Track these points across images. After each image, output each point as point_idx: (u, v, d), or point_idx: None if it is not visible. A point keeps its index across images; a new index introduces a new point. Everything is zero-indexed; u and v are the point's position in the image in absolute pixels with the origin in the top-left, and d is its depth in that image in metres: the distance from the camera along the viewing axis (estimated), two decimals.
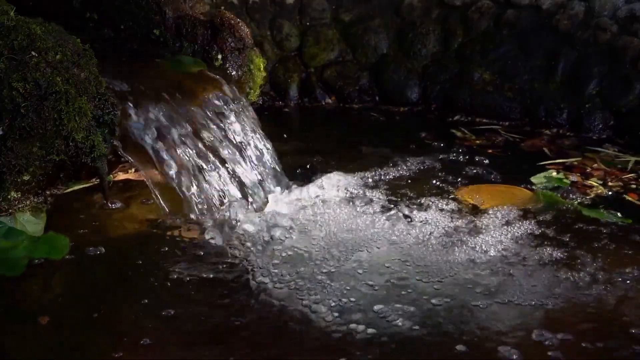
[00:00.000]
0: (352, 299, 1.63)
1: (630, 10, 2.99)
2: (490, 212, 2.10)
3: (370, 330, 1.52)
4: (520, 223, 2.04)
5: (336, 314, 1.57)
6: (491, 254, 1.86)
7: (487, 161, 2.58)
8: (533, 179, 2.37)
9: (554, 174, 2.39)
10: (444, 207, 2.14)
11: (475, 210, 2.13)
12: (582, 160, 2.61)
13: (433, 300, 1.63)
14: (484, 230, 1.99)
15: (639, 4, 2.98)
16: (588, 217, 2.09)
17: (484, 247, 1.90)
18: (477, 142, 2.84)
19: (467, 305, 1.62)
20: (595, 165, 2.55)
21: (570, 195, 2.25)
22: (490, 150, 2.73)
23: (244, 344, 1.48)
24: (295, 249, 1.87)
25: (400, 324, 1.54)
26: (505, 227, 2.01)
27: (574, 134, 2.93)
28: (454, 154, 2.63)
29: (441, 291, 1.68)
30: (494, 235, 1.96)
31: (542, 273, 1.77)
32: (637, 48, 2.91)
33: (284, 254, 1.84)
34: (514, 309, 1.61)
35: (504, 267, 1.79)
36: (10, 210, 1.84)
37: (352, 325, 1.53)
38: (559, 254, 1.86)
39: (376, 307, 1.60)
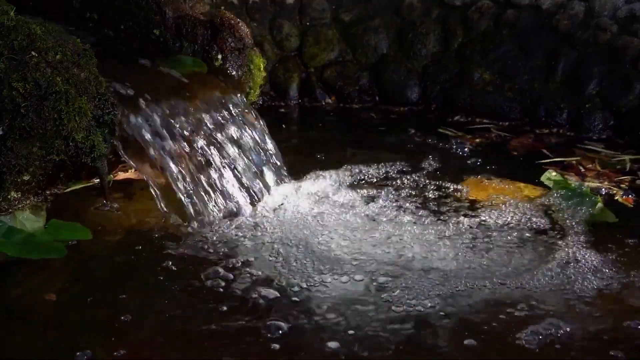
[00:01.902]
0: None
1: (630, 10, 2.99)
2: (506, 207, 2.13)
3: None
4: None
5: None
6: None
7: (483, 160, 2.60)
8: (543, 178, 2.37)
9: (553, 174, 2.39)
10: (450, 202, 2.17)
11: (489, 206, 2.14)
12: (580, 160, 2.61)
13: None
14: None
15: (639, 4, 2.98)
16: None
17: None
18: (476, 140, 2.85)
19: None
20: (591, 165, 2.56)
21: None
22: (484, 149, 2.75)
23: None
24: (288, 248, 1.88)
25: None
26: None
27: (573, 133, 2.94)
28: (449, 154, 2.65)
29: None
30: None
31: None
32: (637, 48, 2.91)
33: (281, 254, 1.85)
34: None
35: None
36: (10, 210, 1.84)
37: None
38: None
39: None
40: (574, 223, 2.03)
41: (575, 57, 3.05)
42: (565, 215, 2.08)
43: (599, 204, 2.12)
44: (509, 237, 1.95)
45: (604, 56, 2.99)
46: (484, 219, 2.06)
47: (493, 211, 2.10)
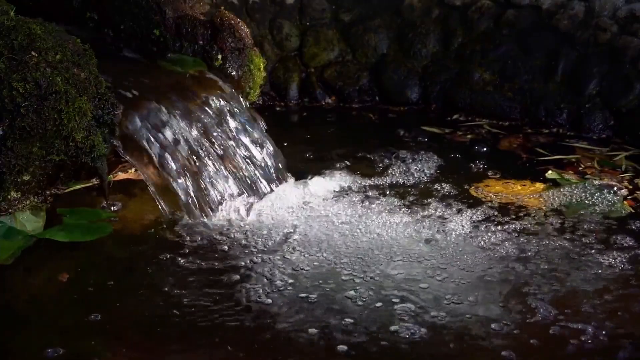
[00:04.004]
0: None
1: (630, 10, 2.99)
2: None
3: None
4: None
5: None
6: None
7: (480, 158, 2.60)
8: (558, 179, 2.39)
9: (551, 172, 2.40)
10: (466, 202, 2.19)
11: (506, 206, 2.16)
12: (579, 159, 2.62)
13: None
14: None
15: (639, 4, 2.98)
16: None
17: None
18: (467, 136, 2.86)
19: None
20: (589, 163, 2.56)
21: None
22: (479, 148, 2.75)
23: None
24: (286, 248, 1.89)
25: None
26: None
27: (573, 133, 2.94)
28: (447, 153, 2.65)
29: None
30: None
31: None
32: (637, 48, 2.91)
33: (282, 254, 1.85)
34: None
35: None
36: (10, 210, 1.84)
37: None
38: None
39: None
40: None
41: (575, 57, 3.04)
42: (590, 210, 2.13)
43: (619, 198, 2.18)
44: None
45: (604, 56, 2.99)
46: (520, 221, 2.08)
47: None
